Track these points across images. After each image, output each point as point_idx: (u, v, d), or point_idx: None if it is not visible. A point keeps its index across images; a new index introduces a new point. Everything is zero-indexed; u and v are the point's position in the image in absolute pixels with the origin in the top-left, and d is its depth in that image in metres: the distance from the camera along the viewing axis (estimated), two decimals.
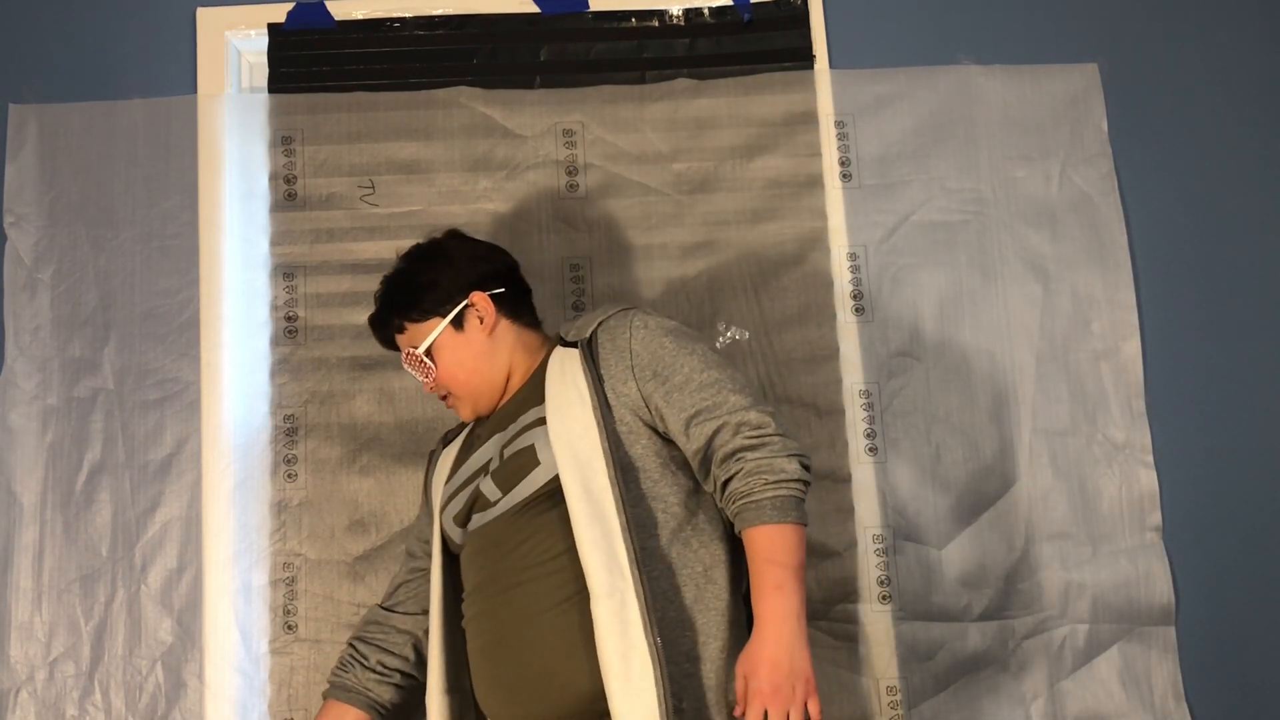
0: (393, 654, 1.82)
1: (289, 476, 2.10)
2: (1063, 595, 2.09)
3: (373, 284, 2.12)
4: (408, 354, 1.74)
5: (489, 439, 1.69)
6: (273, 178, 2.21)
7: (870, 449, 2.13)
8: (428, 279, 1.73)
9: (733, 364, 1.60)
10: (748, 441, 1.51)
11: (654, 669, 1.41)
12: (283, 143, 2.22)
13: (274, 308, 2.16)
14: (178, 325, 2.14)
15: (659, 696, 1.40)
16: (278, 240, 2.19)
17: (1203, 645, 2.10)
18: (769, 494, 1.48)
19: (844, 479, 2.11)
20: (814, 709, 1.44)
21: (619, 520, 1.47)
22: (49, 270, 2.16)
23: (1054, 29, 2.32)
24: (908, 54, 2.28)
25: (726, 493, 1.52)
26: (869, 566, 2.09)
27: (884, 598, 2.08)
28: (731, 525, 1.57)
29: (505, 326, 1.73)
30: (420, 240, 1.82)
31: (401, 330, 1.75)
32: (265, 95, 2.24)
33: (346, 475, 2.10)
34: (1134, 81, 2.30)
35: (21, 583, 2.06)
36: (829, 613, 2.05)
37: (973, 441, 2.14)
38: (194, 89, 2.23)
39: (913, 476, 2.12)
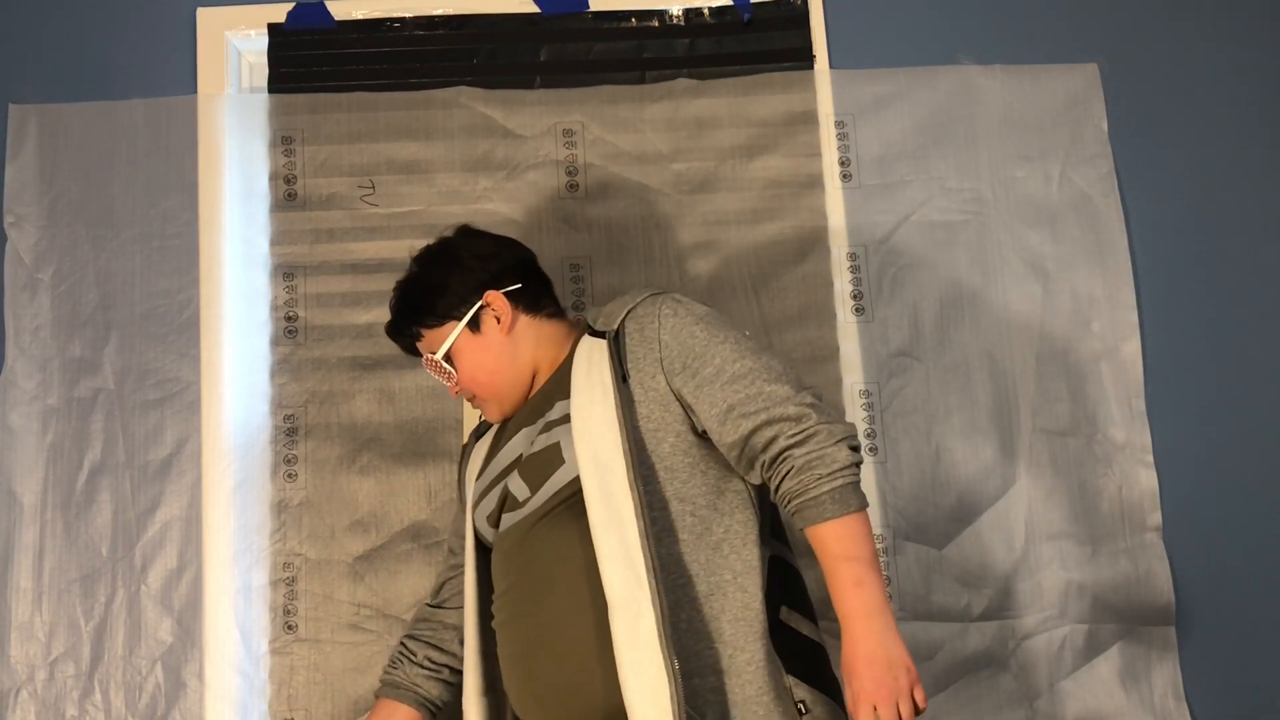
0: (441, 650, 1.80)
1: (289, 476, 2.11)
2: (1063, 595, 2.09)
3: (373, 284, 2.15)
4: (427, 359, 1.71)
5: (517, 433, 1.65)
6: (273, 178, 2.21)
7: (870, 449, 2.13)
8: (438, 282, 1.68)
9: (769, 349, 1.52)
10: (791, 440, 1.43)
11: (669, 686, 1.34)
12: (283, 143, 2.22)
13: (274, 308, 2.16)
14: (178, 325, 2.14)
15: (675, 715, 1.34)
16: (278, 240, 2.19)
17: (1203, 645, 2.10)
18: (825, 488, 1.42)
19: None
20: (919, 696, 1.37)
21: (637, 527, 1.41)
22: (49, 270, 2.16)
23: (1054, 29, 2.32)
24: (908, 54, 2.28)
25: (780, 493, 1.45)
26: None
27: None
28: (767, 529, 1.53)
29: (525, 323, 1.68)
30: (429, 239, 1.77)
31: (419, 337, 1.71)
32: (265, 95, 2.24)
33: (346, 475, 2.10)
34: (1134, 81, 2.30)
35: (21, 583, 2.06)
36: (829, 613, 2.04)
37: (973, 441, 2.14)
38: (194, 89, 2.23)
39: (913, 476, 2.12)
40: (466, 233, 1.77)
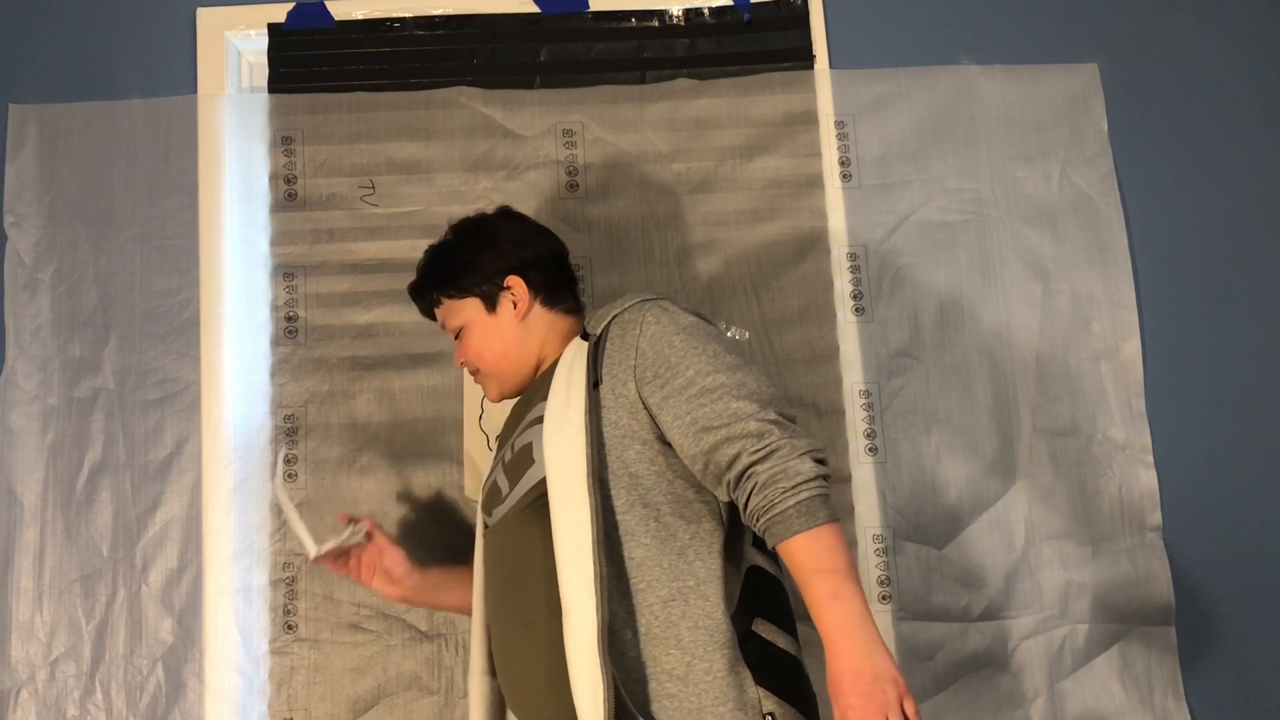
0: None
1: (289, 476, 2.11)
2: (1063, 595, 2.09)
3: (373, 284, 2.16)
4: (440, 324, 1.78)
5: (515, 425, 1.68)
6: (273, 178, 2.21)
7: (870, 449, 2.13)
8: (469, 257, 1.72)
9: (748, 363, 1.52)
10: (753, 457, 1.41)
11: (603, 694, 1.34)
12: (283, 143, 2.22)
13: (274, 308, 2.16)
14: (178, 325, 2.14)
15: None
16: (278, 240, 2.19)
17: (1203, 645, 2.10)
18: (790, 502, 1.38)
19: (844, 479, 2.11)
20: (910, 708, 1.33)
21: (591, 533, 1.41)
22: (49, 270, 2.16)
23: (1054, 29, 2.32)
24: (908, 54, 2.28)
25: (748, 513, 1.43)
26: (869, 566, 2.09)
27: (884, 598, 2.08)
28: (747, 539, 1.53)
29: (539, 313, 1.71)
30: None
31: (438, 304, 1.76)
32: (265, 95, 2.24)
33: (346, 475, 2.10)
34: (1134, 81, 2.30)
35: (22, 583, 2.06)
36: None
37: (973, 441, 2.14)
38: (194, 89, 2.23)
39: (913, 476, 2.12)
40: (507, 214, 1.81)
